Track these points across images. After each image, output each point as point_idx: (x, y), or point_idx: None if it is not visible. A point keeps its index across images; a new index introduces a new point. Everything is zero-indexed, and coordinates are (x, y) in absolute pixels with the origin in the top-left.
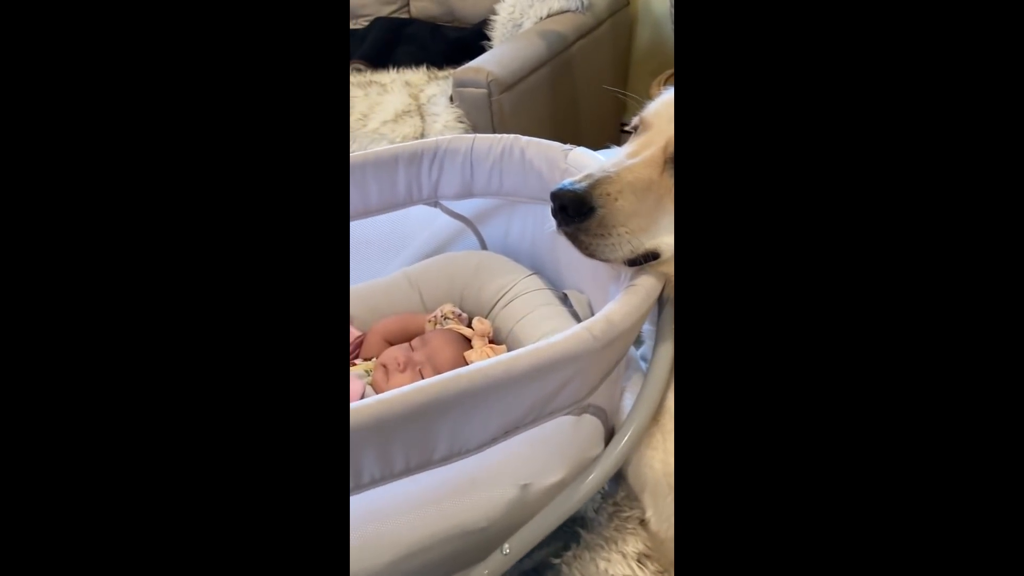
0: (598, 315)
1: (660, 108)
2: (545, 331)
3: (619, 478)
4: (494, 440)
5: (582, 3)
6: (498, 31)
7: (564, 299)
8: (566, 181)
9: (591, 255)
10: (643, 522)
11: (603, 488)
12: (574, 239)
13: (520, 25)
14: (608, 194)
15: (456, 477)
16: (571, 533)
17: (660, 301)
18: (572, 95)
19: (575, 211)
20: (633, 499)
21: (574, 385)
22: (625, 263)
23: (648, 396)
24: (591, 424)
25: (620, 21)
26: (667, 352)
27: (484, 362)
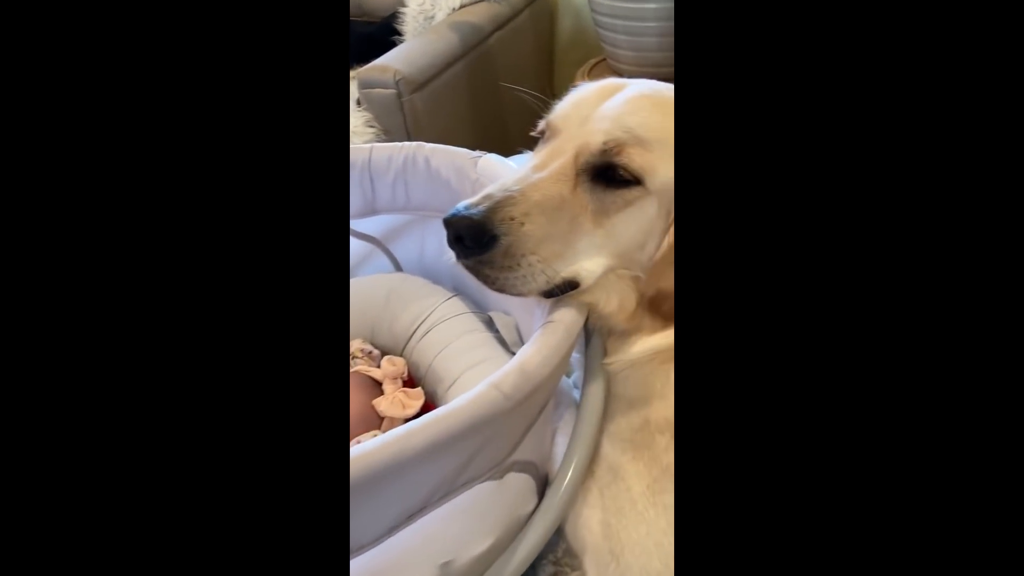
0: (508, 366)
1: (569, 110)
2: (469, 362)
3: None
4: (393, 530)
5: None
6: (409, 24)
7: (489, 323)
8: (460, 205)
9: (500, 290)
10: None
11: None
12: (476, 273)
13: (432, 17)
14: (512, 218)
15: (356, 572)
16: None
17: (586, 333)
18: (494, 90)
19: (474, 241)
20: (574, 555)
21: (488, 452)
22: (541, 295)
23: (581, 444)
24: (518, 481)
25: (539, 10)
26: (598, 392)
27: (368, 444)
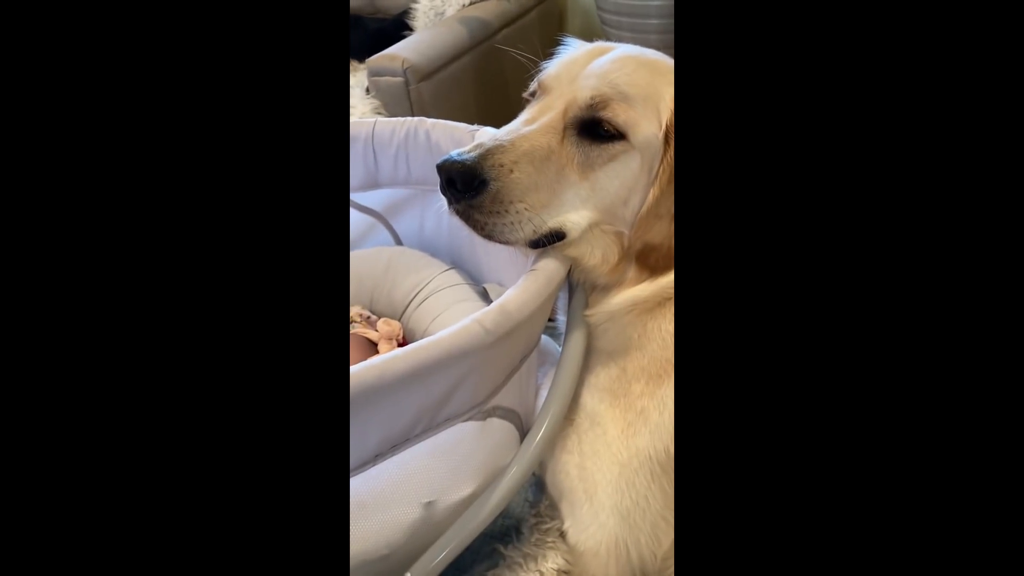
0: (492, 305)
1: (559, 70)
2: None
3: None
4: (377, 457)
5: None
6: (420, 20)
7: (484, 294)
8: (453, 152)
9: (488, 236)
10: (563, 534)
11: (528, 496)
12: (467, 218)
13: (443, 14)
14: (502, 165)
15: None
16: (495, 552)
17: (570, 287)
18: (502, 84)
19: (464, 185)
20: (555, 507)
21: (469, 386)
22: (528, 245)
23: (559, 391)
24: (501, 429)
25: (548, 11)
26: (578, 342)
27: (355, 367)
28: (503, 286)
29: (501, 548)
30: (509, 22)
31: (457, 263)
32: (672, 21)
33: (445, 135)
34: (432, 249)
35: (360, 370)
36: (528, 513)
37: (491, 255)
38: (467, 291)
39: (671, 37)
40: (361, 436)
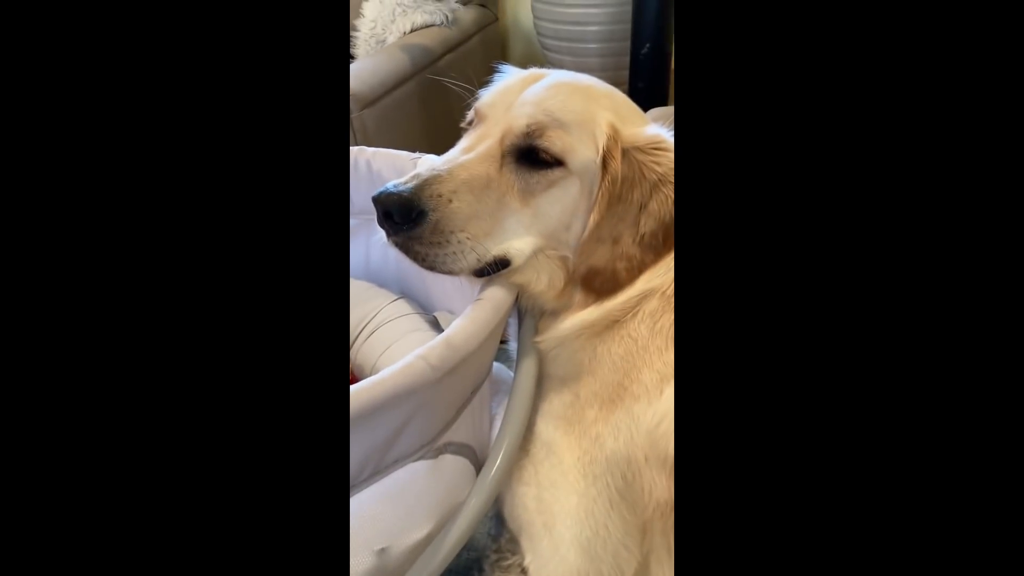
0: (436, 340)
1: (494, 98)
2: None
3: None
4: None
5: (447, 17)
6: (361, 48)
7: (434, 322)
8: (390, 184)
9: (430, 267)
10: (524, 570)
11: (490, 530)
12: (407, 250)
13: (384, 41)
14: (440, 195)
15: None
16: None
17: (519, 314)
18: (447, 110)
19: (402, 217)
20: (515, 542)
21: (417, 425)
22: (473, 274)
23: (513, 421)
24: (454, 465)
25: (490, 36)
26: (530, 370)
27: None
28: (453, 314)
29: None
30: (451, 48)
31: (406, 292)
32: (609, 45)
33: (387, 164)
34: (379, 279)
35: None
36: (490, 548)
37: (439, 283)
38: (417, 320)
39: (609, 60)
40: None
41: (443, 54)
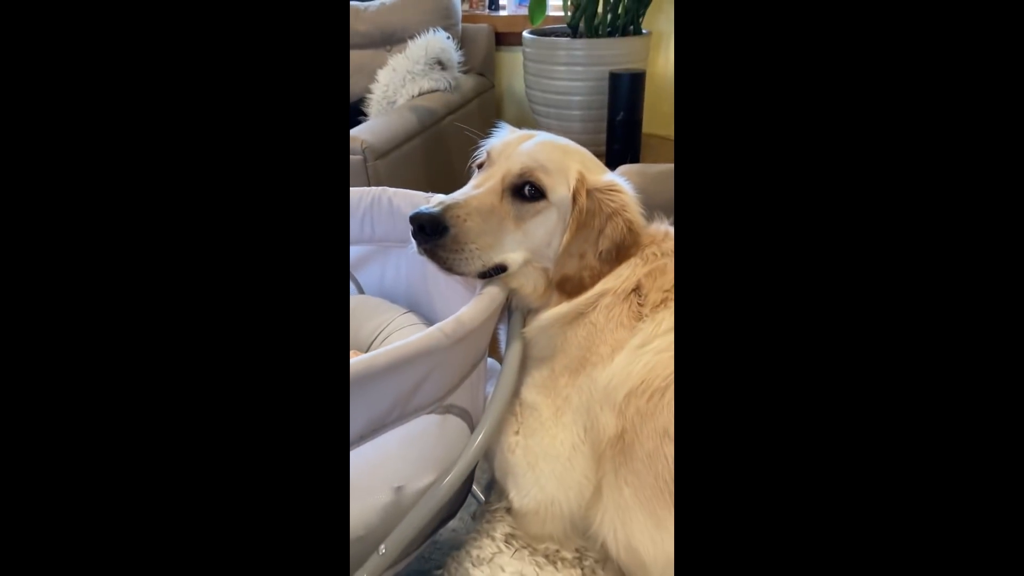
0: (450, 318)
1: (500, 147)
2: None
3: (491, 485)
4: (362, 438)
5: (449, 84)
6: (374, 108)
7: None
8: (422, 207)
9: (448, 269)
10: (509, 510)
11: (480, 499)
12: (432, 255)
13: (394, 102)
14: (458, 216)
15: None
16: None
17: (509, 311)
18: (447, 163)
19: (432, 230)
20: (501, 495)
21: (432, 381)
22: (478, 276)
23: (502, 392)
24: (456, 425)
25: (486, 101)
26: (516, 353)
27: (352, 360)
28: None
29: (459, 530)
30: (453, 110)
31: (414, 308)
32: (589, 112)
33: (405, 201)
34: (391, 296)
35: (356, 361)
36: (477, 509)
37: (443, 300)
38: (423, 329)
39: (589, 125)
40: (355, 416)
41: (446, 115)
